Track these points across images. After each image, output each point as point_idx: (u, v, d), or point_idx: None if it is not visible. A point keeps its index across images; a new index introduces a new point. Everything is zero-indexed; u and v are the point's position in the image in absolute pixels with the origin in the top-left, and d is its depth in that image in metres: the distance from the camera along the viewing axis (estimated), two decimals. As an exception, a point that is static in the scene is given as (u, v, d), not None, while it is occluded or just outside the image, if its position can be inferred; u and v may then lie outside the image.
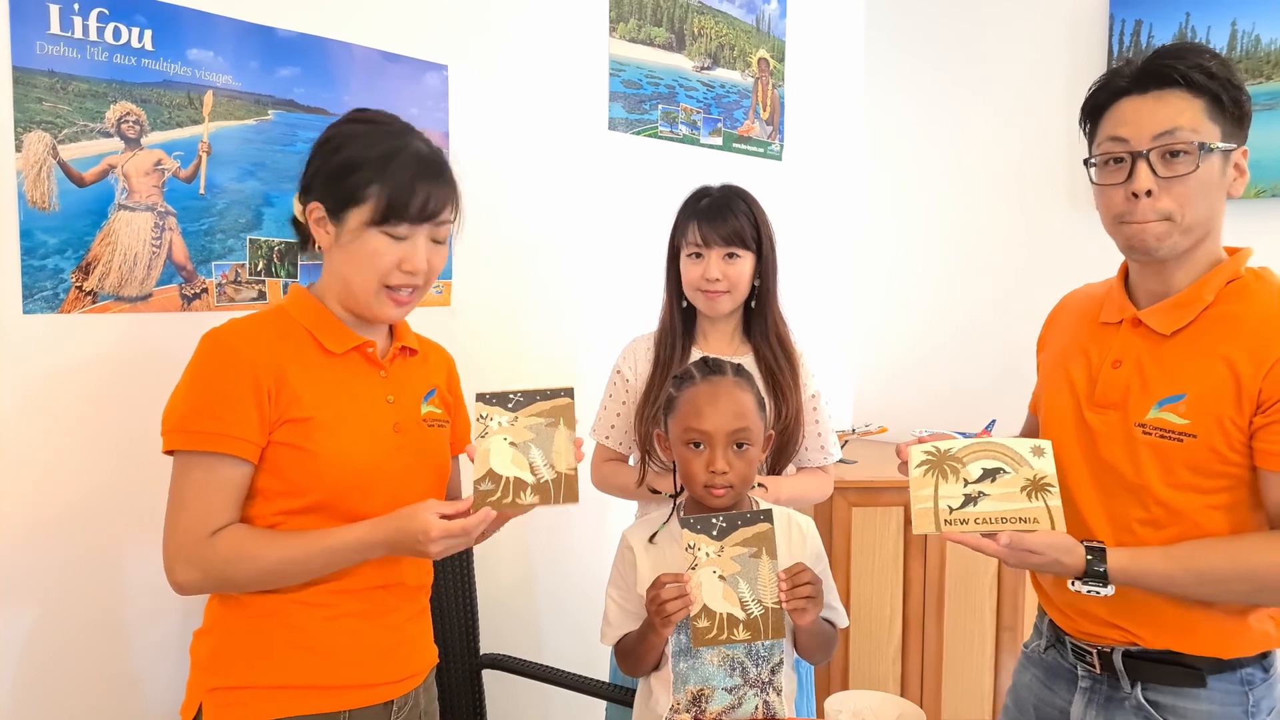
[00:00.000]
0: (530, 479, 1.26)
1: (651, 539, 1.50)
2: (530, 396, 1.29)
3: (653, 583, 1.36)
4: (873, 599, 2.77)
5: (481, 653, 2.05)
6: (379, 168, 1.26)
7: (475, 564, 2.02)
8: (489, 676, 2.06)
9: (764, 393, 1.83)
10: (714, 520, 1.34)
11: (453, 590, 2.02)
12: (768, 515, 1.35)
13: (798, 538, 1.51)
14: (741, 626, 1.33)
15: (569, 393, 1.30)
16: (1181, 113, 1.24)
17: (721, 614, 1.32)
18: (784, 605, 1.34)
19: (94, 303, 1.53)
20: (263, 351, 1.25)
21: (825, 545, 2.93)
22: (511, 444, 1.27)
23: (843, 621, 1.53)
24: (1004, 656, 2.75)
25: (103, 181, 1.53)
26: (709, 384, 1.46)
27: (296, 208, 1.34)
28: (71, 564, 1.53)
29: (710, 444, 1.42)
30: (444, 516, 1.22)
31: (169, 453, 1.25)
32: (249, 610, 1.27)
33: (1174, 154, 1.25)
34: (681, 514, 1.51)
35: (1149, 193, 1.25)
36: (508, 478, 1.26)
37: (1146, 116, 1.26)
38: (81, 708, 1.55)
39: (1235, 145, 1.27)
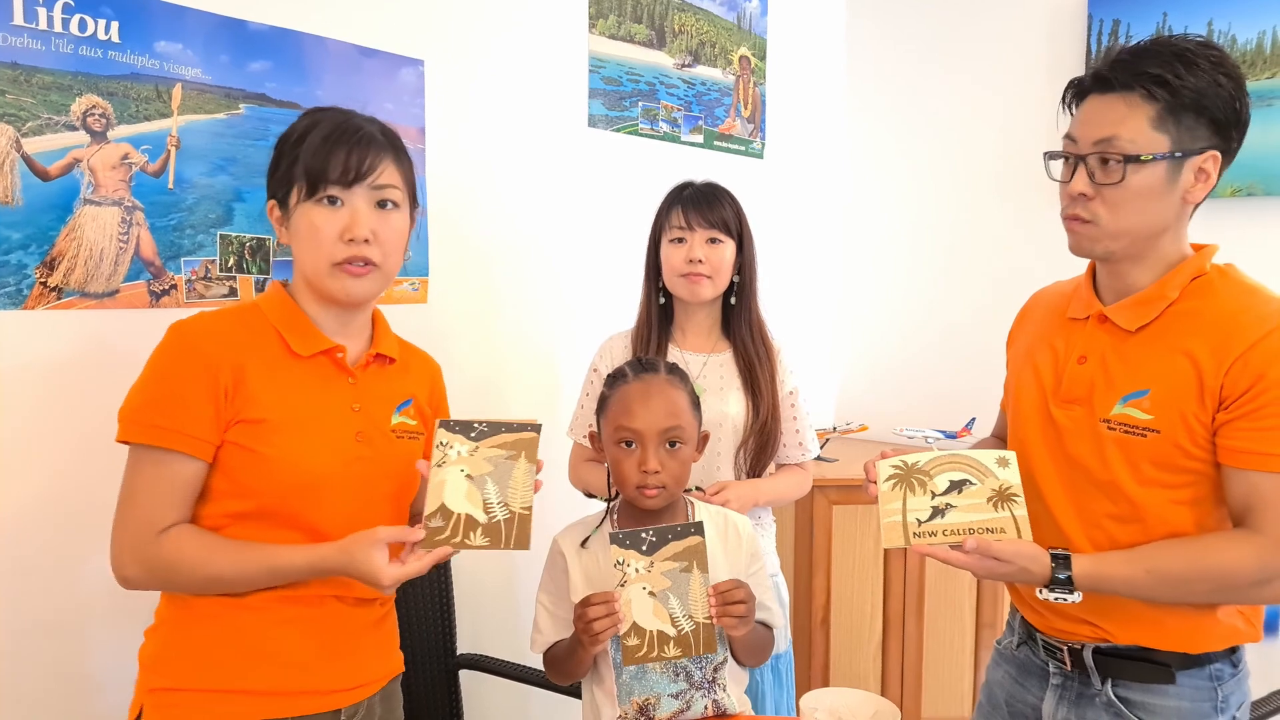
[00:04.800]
0: (482, 518, 1.22)
1: (584, 543, 1.47)
2: (495, 427, 1.24)
3: (580, 601, 1.34)
4: (853, 597, 2.77)
5: (459, 653, 2.03)
6: (298, 144, 1.27)
7: (453, 563, 2.01)
8: (466, 677, 2.05)
9: (741, 389, 1.83)
10: (643, 535, 1.32)
11: (428, 590, 2.00)
12: (699, 528, 1.33)
13: (733, 538, 1.50)
14: (672, 643, 1.31)
15: (536, 427, 1.26)
16: (1124, 120, 1.24)
17: (652, 631, 1.31)
18: (715, 621, 1.32)
19: (59, 299, 1.51)
20: (224, 347, 1.22)
21: (805, 543, 2.92)
22: (468, 476, 1.23)
23: (778, 622, 1.51)
24: (983, 654, 2.76)
25: (68, 175, 1.51)
26: (641, 382, 1.44)
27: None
28: (33, 563, 1.51)
29: (642, 443, 1.40)
30: (393, 545, 1.20)
31: (123, 442, 1.23)
32: (194, 611, 1.25)
33: (1107, 161, 1.25)
34: (615, 518, 1.49)
35: (1083, 195, 1.28)
36: (459, 515, 1.22)
37: (1095, 119, 1.27)
38: (34, 707, 1.52)
39: (1195, 152, 1.25)
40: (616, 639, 1.33)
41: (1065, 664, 1.38)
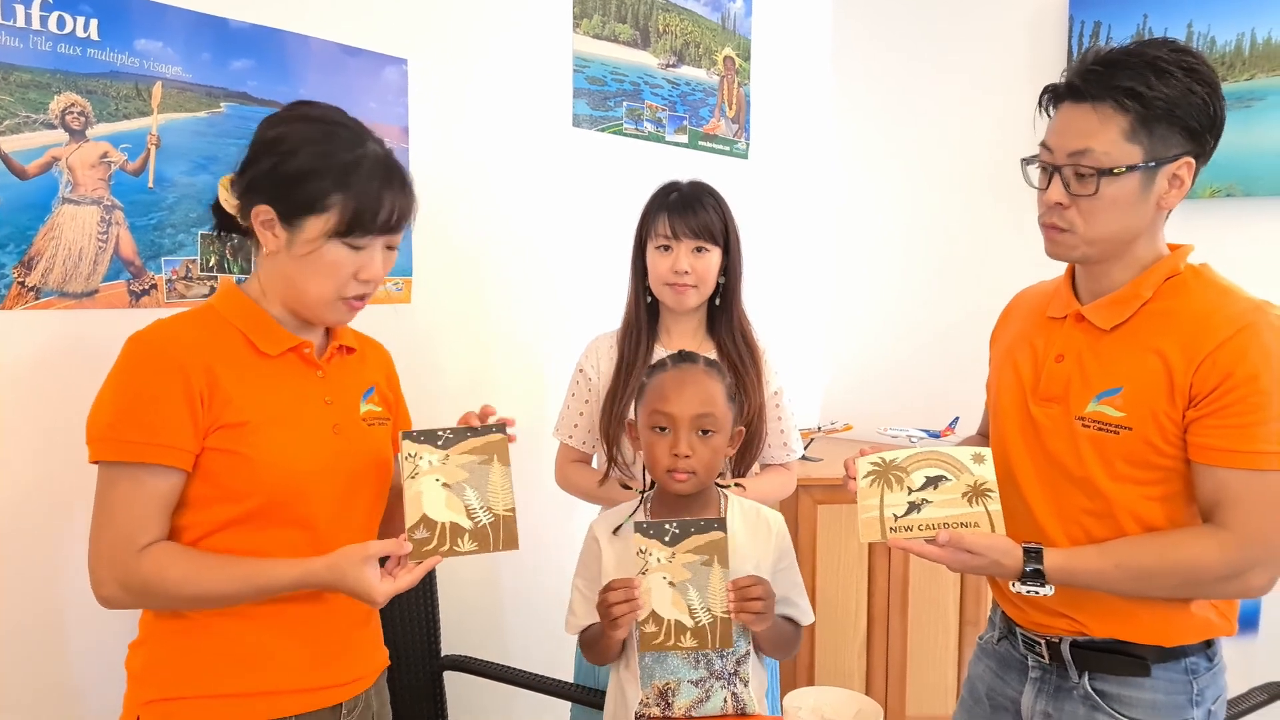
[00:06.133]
0: (467, 524, 1.22)
1: (616, 531, 1.50)
2: (460, 434, 1.25)
3: (603, 586, 1.37)
4: (838, 595, 2.78)
5: (443, 654, 2.03)
6: (340, 178, 1.21)
7: (436, 566, 2.00)
8: (450, 678, 2.04)
9: (725, 389, 1.83)
10: (667, 526, 1.34)
11: (413, 592, 1.96)
12: (721, 524, 1.36)
13: (764, 534, 1.51)
14: (689, 634, 1.33)
15: (501, 428, 1.27)
16: (1096, 133, 1.25)
17: (670, 620, 1.33)
18: (732, 616, 1.34)
19: (37, 299, 1.49)
20: (193, 353, 1.20)
21: (792, 542, 2.93)
22: (444, 485, 1.22)
23: (806, 619, 1.53)
24: (967, 651, 2.77)
25: (46, 174, 1.49)
26: (678, 370, 1.47)
27: (224, 195, 1.29)
28: (13, 567, 1.49)
29: (674, 427, 1.43)
30: (383, 559, 1.20)
31: (96, 463, 1.20)
32: (184, 621, 1.24)
33: (1081, 174, 1.27)
34: (649, 508, 1.52)
35: (1059, 204, 1.29)
36: (443, 524, 1.22)
37: (1069, 130, 1.28)
38: (13, 716, 1.50)
39: (1170, 160, 1.26)
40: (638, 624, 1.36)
41: (1044, 657, 1.40)
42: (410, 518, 1.21)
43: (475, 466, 1.24)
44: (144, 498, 1.18)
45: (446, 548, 1.21)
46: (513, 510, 1.25)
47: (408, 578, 1.20)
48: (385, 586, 1.18)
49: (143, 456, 1.17)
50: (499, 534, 1.23)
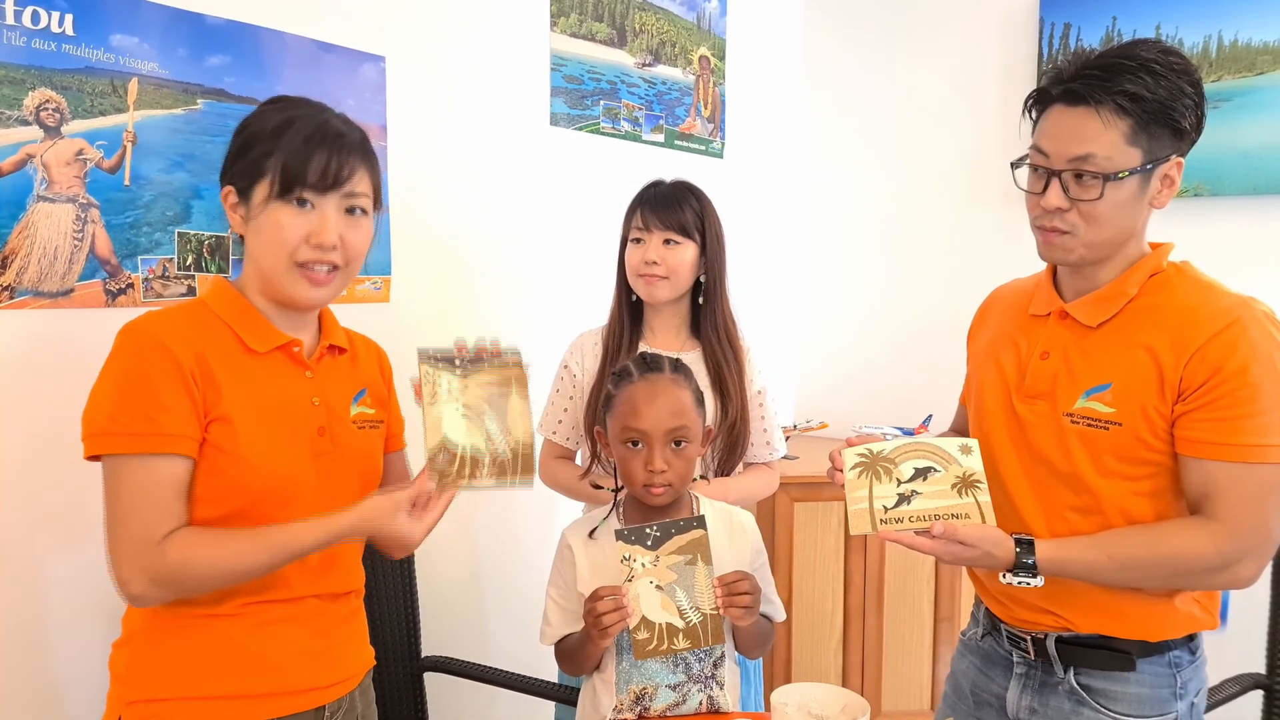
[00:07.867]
0: (486, 455, 1.22)
1: (591, 534, 1.49)
2: (477, 361, 1.25)
3: (590, 595, 1.36)
4: (814, 592, 2.80)
5: (423, 655, 2.01)
6: (275, 137, 1.22)
7: (417, 564, 1.99)
8: (431, 679, 2.03)
9: (709, 389, 1.84)
10: (648, 530, 1.34)
11: (393, 592, 1.98)
12: (701, 522, 1.36)
13: (739, 534, 1.52)
14: (681, 635, 1.33)
15: (518, 357, 1.27)
16: (1098, 138, 1.25)
17: (661, 624, 1.33)
18: (721, 612, 1.34)
19: (11, 298, 1.46)
20: (186, 342, 1.19)
21: (768, 540, 2.95)
22: (464, 412, 1.21)
23: (779, 616, 1.54)
24: (942, 647, 2.80)
25: (20, 171, 1.46)
26: (646, 382, 1.45)
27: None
28: (-11, 571, 1.46)
29: (648, 443, 1.42)
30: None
31: (93, 458, 1.17)
32: (169, 620, 1.22)
33: (1082, 177, 1.27)
34: (621, 510, 1.51)
35: (1059, 209, 1.29)
36: (463, 454, 1.21)
37: (1067, 135, 1.28)
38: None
39: (1164, 160, 1.28)
40: (625, 631, 1.35)
41: (1029, 653, 1.41)
42: (430, 440, 1.20)
43: (495, 396, 1.23)
44: (157, 487, 1.15)
45: (466, 481, 1.22)
46: (530, 442, 1.25)
47: (435, 512, 1.23)
48: (419, 529, 1.22)
49: (149, 447, 1.14)
50: (517, 465, 1.23)
